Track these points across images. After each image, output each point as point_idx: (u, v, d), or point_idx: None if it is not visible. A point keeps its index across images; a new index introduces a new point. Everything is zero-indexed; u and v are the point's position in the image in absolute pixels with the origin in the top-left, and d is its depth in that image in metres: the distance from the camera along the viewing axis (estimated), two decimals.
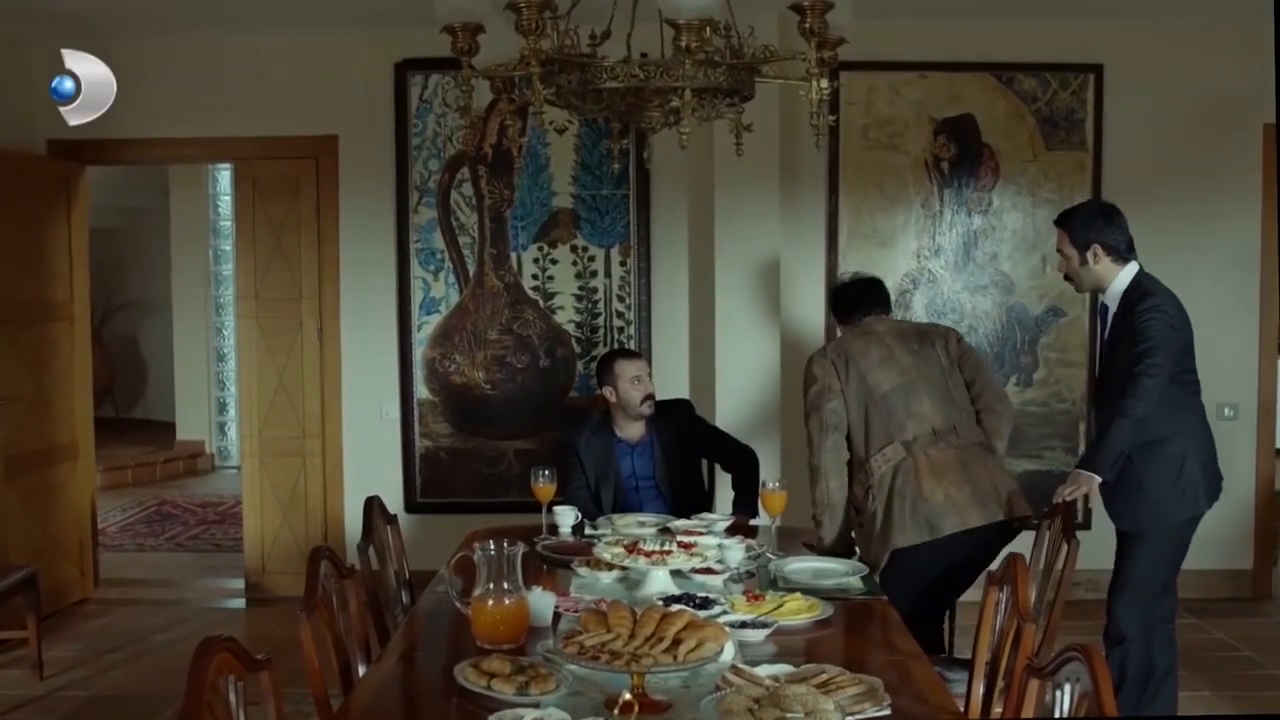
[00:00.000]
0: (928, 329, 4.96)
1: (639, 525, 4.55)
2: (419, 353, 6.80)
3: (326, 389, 6.88)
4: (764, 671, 2.94)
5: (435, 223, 6.73)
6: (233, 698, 2.67)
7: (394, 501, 6.18)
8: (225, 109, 6.70)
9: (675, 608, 3.20)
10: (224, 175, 10.09)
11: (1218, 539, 6.21)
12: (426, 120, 6.68)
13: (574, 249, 6.74)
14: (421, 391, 6.82)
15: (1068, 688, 2.66)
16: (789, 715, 2.59)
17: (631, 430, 5.13)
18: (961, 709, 3.21)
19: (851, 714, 2.73)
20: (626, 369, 5.06)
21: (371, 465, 6.78)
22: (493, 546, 3.30)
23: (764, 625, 3.42)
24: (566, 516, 4.64)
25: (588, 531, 4.60)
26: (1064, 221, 4.53)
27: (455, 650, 3.30)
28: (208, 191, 10.47)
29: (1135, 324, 4.28)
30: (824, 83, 3.52)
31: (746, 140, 4.05)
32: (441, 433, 6.84)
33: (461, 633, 3.38)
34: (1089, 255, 4.41)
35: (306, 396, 6.88)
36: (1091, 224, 4.44)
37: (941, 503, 4.41)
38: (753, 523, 4.90)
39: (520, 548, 3.36)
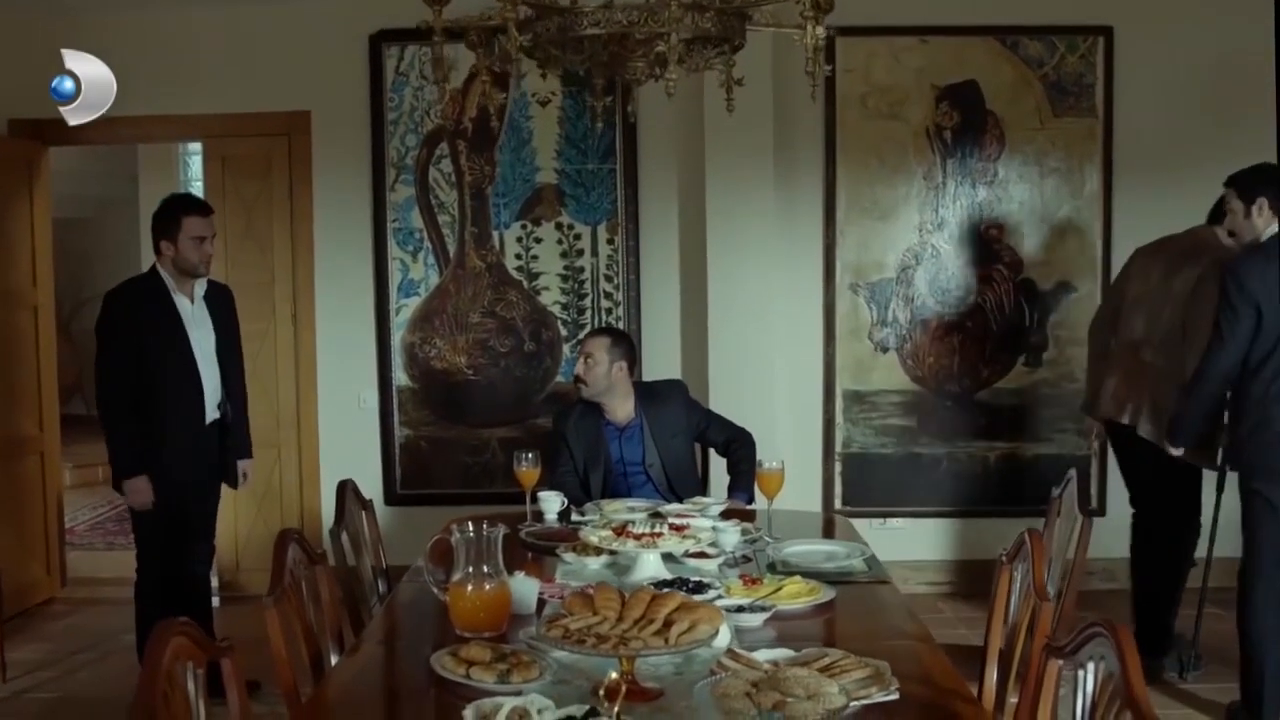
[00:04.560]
0: (1196, 255, 5.11)
1: (628, 511, 4.35)
2: (398, 337, 6.61)
3: (301, 376, 6.68)
4: (762, 656, 2.79)
5: (413, 201, 6.53)
6: (191, 686, 2.51)
7: (373, 493, 5.98)
8: (194, 85, 6.50)
9: (666, 591, 3.02)
10: (195, 160, 9.86)
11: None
12: (403, 94, 6.48)
13: (559, 227, 6.54)
14: (401, 378, 6.64)
15: (1091, 666, 2.44)
16: (789, 699, 2.42)
17: (620, 413, 4.94)
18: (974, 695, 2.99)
19: (857, 699, 2.57)
20: None
21: (349, 456, 6.56)
22: (471, 529, 3.15)
23: (762, 609, 3.26)
24: (552, 503, 4.48)
25: (574, 518, 4.44)
26: (1233, 180, 4.91)
27: (433, 640, 3.14)
28: (179, 177, 10.18)
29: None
30: (819, 29, 3.30)
31: (738, 110, 3.87)
32: (422, 421, 6.65)
33: (441, 622, 3.24)
34: (1254, 208, 4.72)
35: (280, 385, 6.68)
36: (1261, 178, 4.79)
37: (1105, 393, 5.30)
38: (749, 507, 4.74)
39: (501, 529, 3.21)
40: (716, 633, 2.75)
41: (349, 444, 6.63)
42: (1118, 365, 5.30)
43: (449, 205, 6.53)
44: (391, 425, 6.64)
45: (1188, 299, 5.01)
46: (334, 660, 3.37)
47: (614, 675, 2.10)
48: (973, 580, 6.37)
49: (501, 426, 6.60)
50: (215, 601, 6.50)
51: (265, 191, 6.60)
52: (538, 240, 6.54)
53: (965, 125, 6.38)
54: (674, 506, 4.40)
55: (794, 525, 4.37)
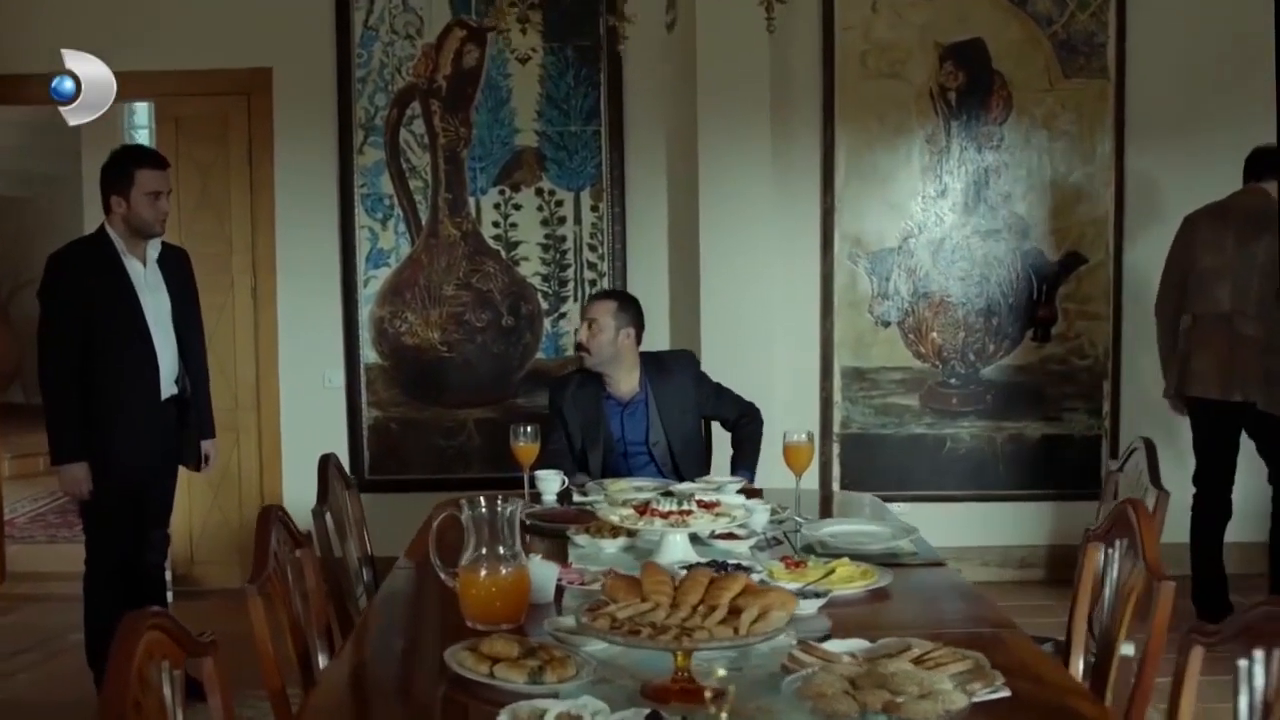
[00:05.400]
0: (1268, 219, 5.10)
1: (635, 490, 3.98)
2: (366, 312, 6.29)
3: (262, 354, 6.33)
4: (832, 649, 2.40)
5: (383, 165, 6.21)
6: (167, 691, 2.09)
7: None
8: (144, 40, 6.11)
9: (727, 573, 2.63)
10: (143, 134, 9.43)
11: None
12: (372, 50, 6.14)
13: (539, 192, 6.22)
14: (369, 355, 6.31)
15: (1259, 655, 2.06)
16: (900, 697, 2.04)
17: (624, 386, 4.61)
18: None
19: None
20: None
21: (314, 439, 6.08)
22: (484, 505, 2.78)
23: (816, 595, 2.87)
24: (551, 482, 4.17)
25: (576, 499, 4.10)
26: None
27: (438, 633, 2.81)
28: None
29: None
30: None
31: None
32: (392, 401, 6.32)
33: (443, 614, 2.88)
34: None
35: (239, 363, 6.33)
36: None
37: (1194, 370, 5.29)
38: (754, 486, 4.42)
39: (519, 503, 2.84)
40: (790, 621, 2.36)
41: (313, 426, 6.27)
42: (1205, 342, 5.26)
43: (421, 169, 6.21)
44: (359, 406, 6.32)
45: (1276, 265, 4.94)
46: (321, 659, 2.98)
47: (722, 673, 1.71)
48: (983, 568, 6.11)
49: (478, 407, 6.29)
50: (168, 597, 6.12)
51: (222, 155, 6.26)
52: (516, 207, 6.22)
53: (970, 86, 6.12)
54: (686, 486, 4.00)
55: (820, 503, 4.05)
